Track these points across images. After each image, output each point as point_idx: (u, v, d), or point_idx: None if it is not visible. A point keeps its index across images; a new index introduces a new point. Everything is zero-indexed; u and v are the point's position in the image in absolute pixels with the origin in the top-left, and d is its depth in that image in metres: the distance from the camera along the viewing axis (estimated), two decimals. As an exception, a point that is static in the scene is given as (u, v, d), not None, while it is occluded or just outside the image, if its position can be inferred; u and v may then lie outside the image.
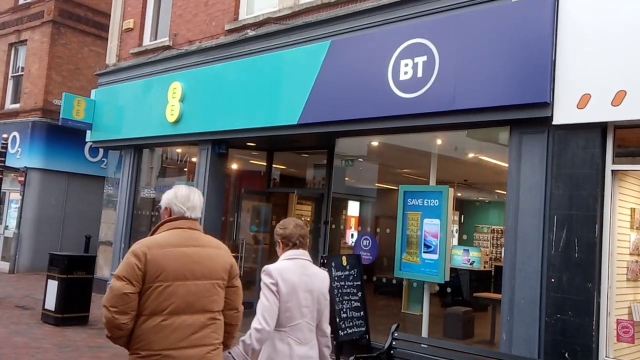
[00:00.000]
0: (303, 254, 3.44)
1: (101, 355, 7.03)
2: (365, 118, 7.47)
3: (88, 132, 12.73)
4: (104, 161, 14.97)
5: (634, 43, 5.49)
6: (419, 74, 6.91)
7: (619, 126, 5.74)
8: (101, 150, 15.08)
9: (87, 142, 13.24)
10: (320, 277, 3.46)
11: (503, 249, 6.51)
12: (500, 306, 6.41)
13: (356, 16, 7.88)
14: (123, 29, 12.71)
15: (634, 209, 6.12)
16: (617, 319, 5.67)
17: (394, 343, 5.36)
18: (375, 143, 8.57)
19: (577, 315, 5.59)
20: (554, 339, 5.71)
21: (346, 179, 9.18)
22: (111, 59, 12.85)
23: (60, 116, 12.10)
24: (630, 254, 6.04)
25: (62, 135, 14.50)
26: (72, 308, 8.65)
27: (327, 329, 3.50)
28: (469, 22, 6.61)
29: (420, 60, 6.93)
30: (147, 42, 12.20)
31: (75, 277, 8.68)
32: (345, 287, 7.40)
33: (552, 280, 5.79)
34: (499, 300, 6.47)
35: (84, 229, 14.08)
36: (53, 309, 8.57)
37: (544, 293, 5.86)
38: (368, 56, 7.51)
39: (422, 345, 5.53)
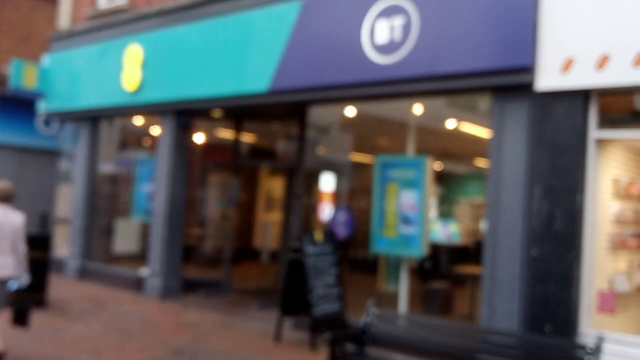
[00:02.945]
0: (5, 205, 5.87)
1: (62, 337, 6.92)
2: (339, 84, 7.39)
3: (40, 102, 12.34)
4: (59, 134, 14.57)
5: (618, 5, 5.51)
6: (396, 37, 6.84)
7: (603, 92, 5.79)
8: (56, 123, 14.67)
9: (39, 113, 12.85)
10: (16, 218, 5.91)
11: (484, 221, 6.57)
12: (480, 280, 6.50)
13: (329, -25, 7.73)
14: (76, -11, 12.26)
15: (617, 178, 6.23)
16: (598, 290, 5.80)
17: (370, 320, 5.39)
18: (349, 112, 8.49)
19: (558, 286, 5.70)
20: (534, 311, 5.82)
21: (319, 150, 9.10)
22: (64, 22, 12.41)
23: (10, 85, 11.69)
24: (612, 224, 6.15)
25: (12, 106, 14.02)
26: (28, 289, 8.44)
27: (20, 248, 5.91)
28: (449, -18, 6.54)
29: (397, 22, 6.85)
30: (103, 3, 11.80)
31: (30, 256, 8.47)
32: (320, 263, 7.40)
33: (534, 252, 5.87)
34: (479, 274, 6.55)
35: (39, 206, 13.75)
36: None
37: (525, 265, 5.95)
38: (342, 18, 7.39)
39: (398, 321, 5.57)
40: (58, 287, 10.32)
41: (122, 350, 6.62)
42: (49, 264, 8.86)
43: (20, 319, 6.25)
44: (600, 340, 4.29)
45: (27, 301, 6.19)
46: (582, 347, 4.37)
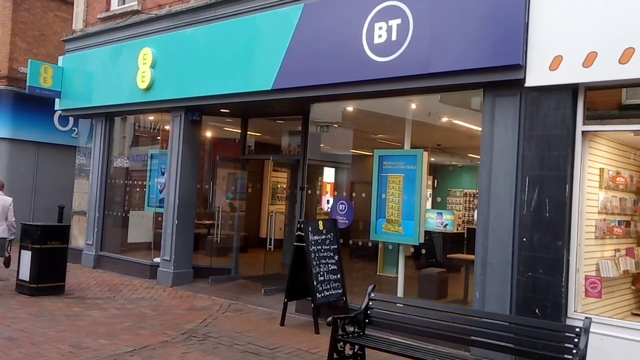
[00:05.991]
0: None
1: (79, 323, 6.97)
2: (340, 82, 7.39)
3: (57, 100, 12.36)
4: (74, 130, 14.59)
5: (604, 4, 5.49)
6: (393, 37, 6.83)
7: (590, 88, 5.78)
8: (71, 119, 14.68)
9: (56, 110, 12.87)
10: (6, 199, 8.57)
11: (476, 211, 6.57)
12: (473, 267, 6.52)
13: (329, -22, 7.70)
14: (89, -8, 12.24)
15: (603, 169, 6.23)
16: (586, 275, 5.82)
17: (370, 303, 5.42)
18: (350, 108, 8.50)
19: (547, 272, 5.72)
20: (525, 295, 5.85)
21: (321, 145, 9.12)
22: (78, 24, 12.40)
23: (27, 84, 11.71)
24: (599, 212, 6.17)
25: (29, 104, 14.05)
26: (47, 278, 8.53)
27: (11, 218, 8.61)
28: (443, -16, 6.51)
29: (394, 23, 6.83)
30: (115, 6, 11.78)
31: (50, 247, 8.53)
32: (322, 250, 7.43)
33: (524, 239, 5.89)
34: (472, 261, 6.57)
35: (57, 199, 13.79)
36: (27, 279, 8.44)
37: (515, 252, 5.97)
38: (342, 19, 7.38)
39: (397, 304, 5.60)
40: (75, 275, 10.39)
41: (136, 333, 6.68)
42: (67, 254, 8.92)
43: (7, 262, 8.76)
44: (588, 323, 4.31)
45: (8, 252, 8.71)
46: (571, 330, 4.39)
